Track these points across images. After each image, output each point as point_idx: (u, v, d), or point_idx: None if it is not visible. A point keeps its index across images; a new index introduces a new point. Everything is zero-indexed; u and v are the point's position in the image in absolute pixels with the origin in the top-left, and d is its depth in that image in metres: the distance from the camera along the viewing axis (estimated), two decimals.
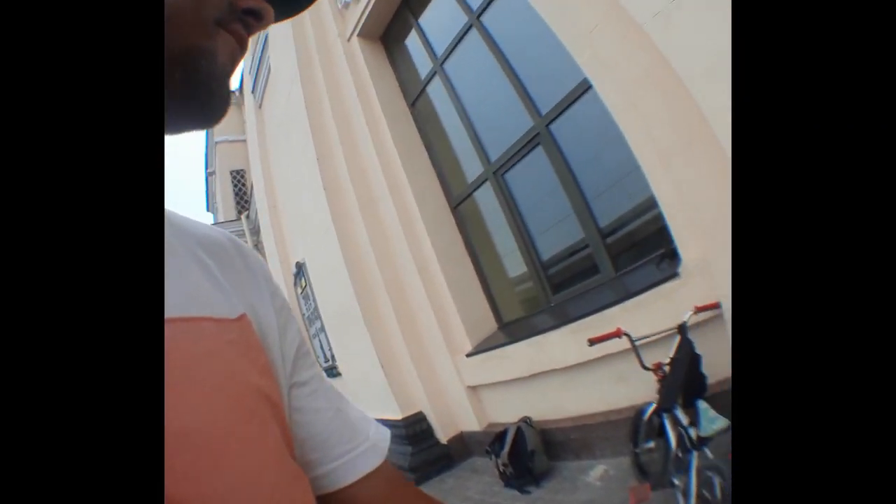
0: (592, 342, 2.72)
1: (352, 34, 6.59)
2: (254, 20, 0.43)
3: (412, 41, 6.41)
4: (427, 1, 6.04)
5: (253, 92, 9.48)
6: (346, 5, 6.63)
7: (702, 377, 2.54)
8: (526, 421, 4.31)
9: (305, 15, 7.27)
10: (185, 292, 0.42)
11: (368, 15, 6.32)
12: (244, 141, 10.89)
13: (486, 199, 5.59)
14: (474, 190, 5.68)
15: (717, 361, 2.93)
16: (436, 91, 6.11)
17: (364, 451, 0.55)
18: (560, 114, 4.51)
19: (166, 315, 0.37)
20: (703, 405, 2.35)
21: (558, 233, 4.86)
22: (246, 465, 0.37)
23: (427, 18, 6.14)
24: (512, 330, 5.16)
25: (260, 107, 9.27)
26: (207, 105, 0.40)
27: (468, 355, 5.09)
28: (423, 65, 6.26)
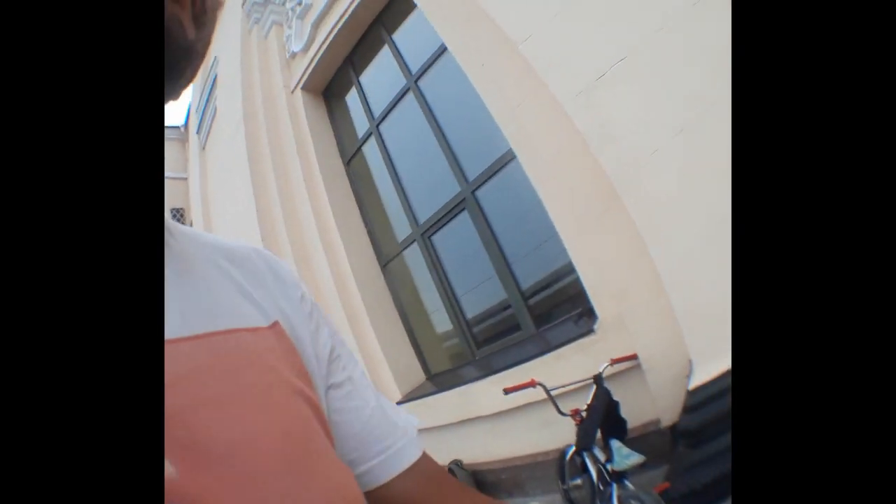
0: (507, 392, 2.94)
1: (296, 86, 6.73)
2: None
3: (352, 98, 6.64)
4: (370, 59, 6.32)
5: (198, 133, 9.29)
6: (294, 55, 6.77)
7: (621, 420, 2.82)
8: (457, 463, 4.49)
9: (254, 62, 7.34)
10: (217, 307, 0.43)
11: (314, 69, 6.50)
12: (186, 179, 10.51)
13: (415, 259, 5.82)
14: (403, 249, 5.91)
15: (637, 406, 3.25)
16: (371, 151, 6.33)
17: (402, 446, 0.55)
18: (486, 181, 4.86)
19: (202, 331, 0.39)
20: (615, 444, 2.63)
21: (482, 293, 5.15)
22: (297, 468, 0.38)
23: (368, 76, 6.41)
24: (439, 380, 5.35)
25: (203, 148, 9.11)
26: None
27: (398, 403, 5.18)
28: (360, 123, 6.48)
